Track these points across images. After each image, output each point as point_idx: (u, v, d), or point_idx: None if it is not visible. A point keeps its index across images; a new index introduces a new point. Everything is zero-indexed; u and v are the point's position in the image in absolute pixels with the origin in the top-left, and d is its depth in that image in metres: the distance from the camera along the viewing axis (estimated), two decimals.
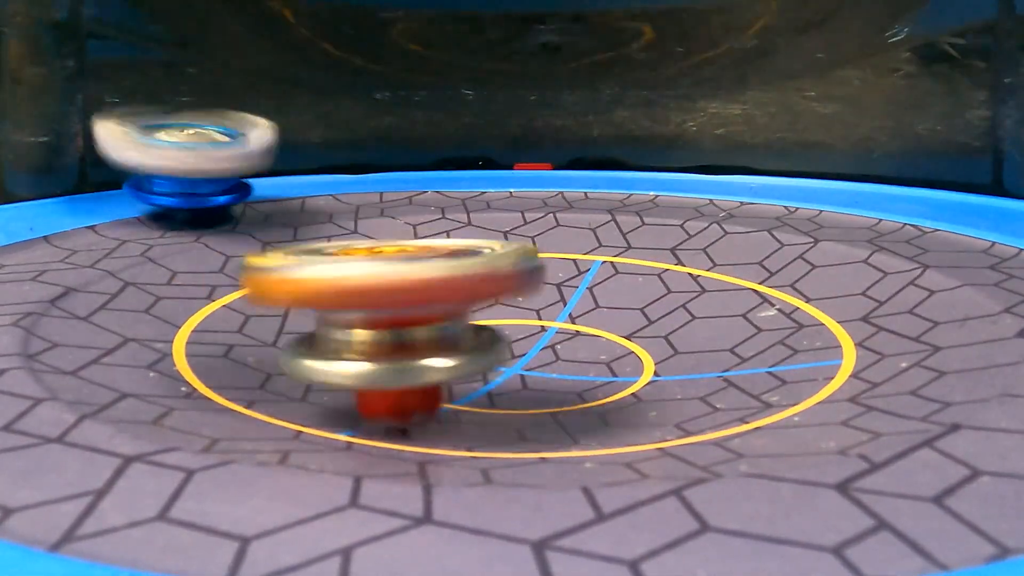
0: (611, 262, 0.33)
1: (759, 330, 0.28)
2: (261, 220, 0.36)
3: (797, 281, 0.30)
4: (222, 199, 0.35)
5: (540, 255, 0.21)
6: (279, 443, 0.19)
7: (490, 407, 0.25)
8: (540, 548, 0.14)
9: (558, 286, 0.33)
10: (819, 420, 0.21)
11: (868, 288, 0.28)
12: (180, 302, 0.28)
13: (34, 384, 0.20)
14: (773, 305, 0.29)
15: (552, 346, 0.30)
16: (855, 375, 0.24)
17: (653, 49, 0.50)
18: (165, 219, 0.35)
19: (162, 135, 0.34)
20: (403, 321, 0.19)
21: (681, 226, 0.34)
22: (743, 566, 0.14)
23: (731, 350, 0.28)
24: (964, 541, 0.14)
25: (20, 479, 0.16)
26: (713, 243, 0.33)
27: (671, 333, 0.29)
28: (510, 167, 0.49)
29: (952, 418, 0.19)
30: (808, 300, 0.29)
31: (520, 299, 0.31)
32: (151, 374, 0.23)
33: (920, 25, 0.45)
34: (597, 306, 0.31)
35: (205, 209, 0.35)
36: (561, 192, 0.40)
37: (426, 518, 0.15)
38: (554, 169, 0.49)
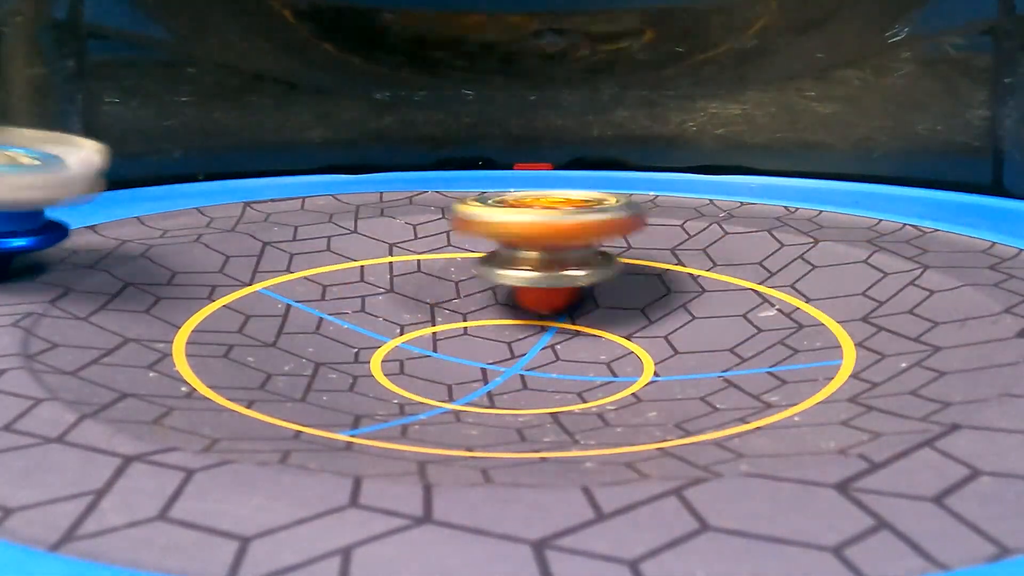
0: None
1: (759, 330, 0.28)
2: (261, 220, 0.36)
3: (797, 281, 0.30)
4: (18, 243, 0.27)
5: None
6: (279, 443, 0.19)
7: (490, 407, 0.25)
8: (540, 548, 0.14)
9: None
10: (819, 420, 0.21)
11: (868, 288, 0.28)
12: (180, 302, 0.28)
13: (34, 384, 0.20)
14: (773, 305, 0.29)
15: (552, 346, 0.30)
16: (855, 375, 0.24)
17: (653, 49, 0.50)
18: None
19: None
20: (555, 247, 0.29)
21: (681, 226, 0.34)
22: (743, 566, 0.14)
23: (731, 350, 0.28)
24: (964, 541, 0.14)
25: (20, 479, 0.16)
26: (713, 243, 0.33)
27: (671, 333, 0.29)
28: (510, 167, 0.49)
29: (952, 418, 0.19)
30: (808, 300, 0.29)
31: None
32: (151, 374, 0.23)
33: (920, 25, 0.45)
34: (597, 306, 0.31)
35: None
36: None
37: (426, 518, 0.15)
38: (554, 169, 0.49)
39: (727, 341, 0.28)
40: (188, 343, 0.26)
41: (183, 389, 0.23)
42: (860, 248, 0.31)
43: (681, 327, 0.30)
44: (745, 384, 0.25)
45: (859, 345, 0.26)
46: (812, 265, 0.31)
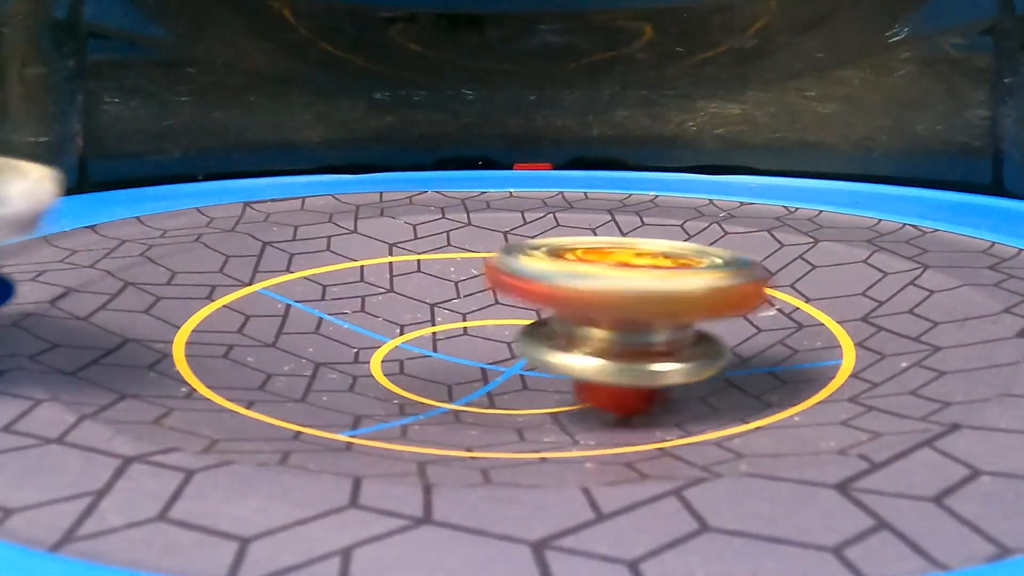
0: None
1: (759, 330, 0.28)
2: (261, 220, 0.36)
3: (797, 281, 0.30)
4: None
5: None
6: (279, 443, 0.19)
7: (490, 407, 0.25)
8: (540, 548, 0.14)
9: None
10: (819, 420, 0.21)
11: (868, 288, 0.28)
12: (180, 302, 0.28)
13: (34, 384, 0.20)
14: (773, 305, 0.29)
15: None
16: (855, 375, 0.24)
17: (653, 49, 0.50)
18: None
19: None
20: (638, 326, 0.20)
21: (681, 226, 0.34)
22: (743, 566, 0.14)
23: (731, 350, 0.28)
24: (964, 541, 0.14)
25: (20, 479, 0.16)
26: (713, 243, 0.33)
27: None
28: (510, 167, 0.49)
29: (952, 418, 0.19)
30: (808, 300, 0.29)
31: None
32: (151, 374, 0.23)
33: (920, 25, 0.45)
34: None
35: None
36: (561, 192, 0.40)
37: (426, 518, 0.15)
38: (554, 169, 0.49)
39: (727, 341, 0.28)
40: (188, 343, 0.26)
41: (183, 389, 0.23)
42: (860, 248, 0.31)
43: None
44: (745, 384, 0.25)
45: (859, 345, 0.26)
46: (812, 265, 0.31)
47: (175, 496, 0.16)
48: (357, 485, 0.16)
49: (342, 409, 0.24)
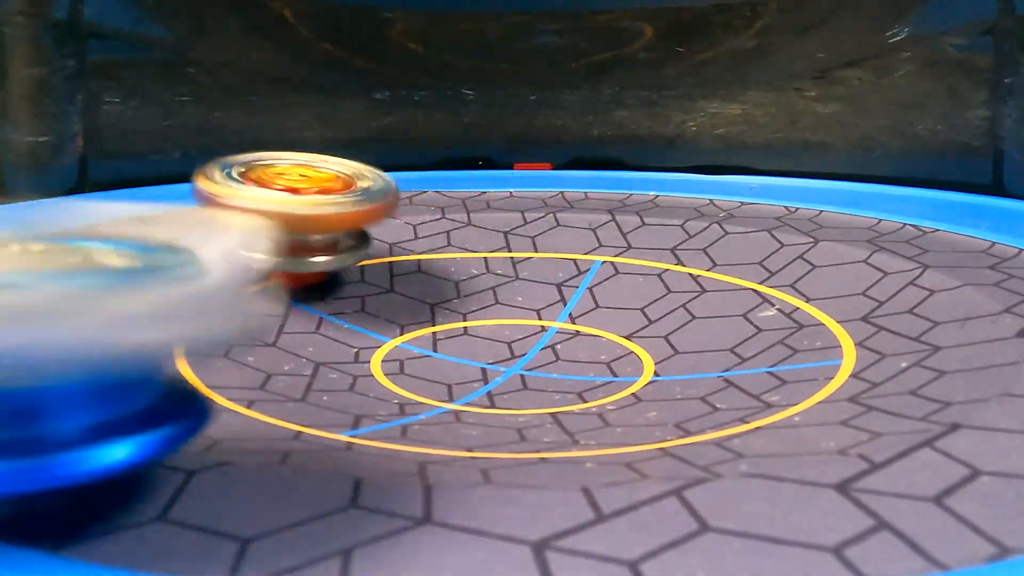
0: (611, 262, 0.33)
1: (759, 330, 0.28)
2: None
3: (797, 281, 0.30)
4: (109, 456, 0.14)
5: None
6: (279, 443, 0.19)
7: (490, 407, 0.25)
8: (540, 549, 0.14)
9: (558, 286, 0.33)
10: (819, 420, 0.21)
11: (868, 288, 0.28)
12: None
13: None
14: (773, 305, 0.29)
15: (552, 346, 0.30)
16: (855, 375, 0.24)
17: (653, 49, 0.50)
18: None
19: None
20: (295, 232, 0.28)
21: (681, 226, 0.34)
22: (743, 566, 0.14)
23: (731, 350, 0.28)
24: (964, 541, 0.14)
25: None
26: (713, 243, 0.33)
27: (671, 333, 0.29)
28: (510, 167, 0.49)
29: (952, 418, 0.19)
30: (808, 300, 0.29)
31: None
32: None
33: (920, 25, 0.45)
34: (597, 306, 0.31)
35: None
36: (561, 192, 0.40)
37: (426, 518, 0.15)
38: (554, 169, 0.49)
39: (727, 341, 0.28)
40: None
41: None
42: (860, 248, 0.31)
43: (681, 327, 0.30)
44: (745, 384, 0.25)
45: (859, 345, 0.26)
46: (812, 265, 0.31)
47: (175, 496, 0.16)
48: (357, 485, 0.16)
49: (342, 409, 0.24)
